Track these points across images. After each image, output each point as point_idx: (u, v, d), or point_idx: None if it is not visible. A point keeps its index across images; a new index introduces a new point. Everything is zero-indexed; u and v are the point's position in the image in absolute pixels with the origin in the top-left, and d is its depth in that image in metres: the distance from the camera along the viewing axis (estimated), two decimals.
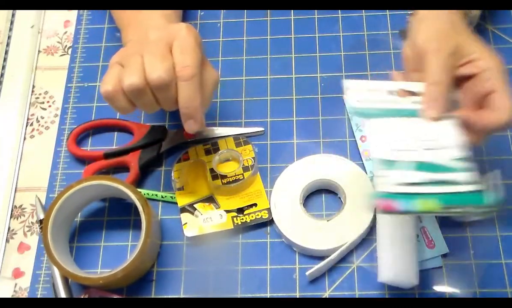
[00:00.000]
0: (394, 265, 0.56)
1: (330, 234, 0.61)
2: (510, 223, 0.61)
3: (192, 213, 0.63)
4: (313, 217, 0.62)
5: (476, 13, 0.65)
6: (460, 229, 0.61)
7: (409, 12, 0.62)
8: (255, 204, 0.63)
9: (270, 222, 0.63)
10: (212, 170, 0.64)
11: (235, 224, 0.62)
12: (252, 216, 0.63)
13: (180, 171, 0.65)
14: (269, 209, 0.63)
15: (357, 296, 0.59)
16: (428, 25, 0.57)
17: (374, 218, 0.61)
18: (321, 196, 0.65)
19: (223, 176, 0.64)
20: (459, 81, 0.56)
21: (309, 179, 0.63)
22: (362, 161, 0.65)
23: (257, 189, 0.64)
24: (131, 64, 0.54)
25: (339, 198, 0.64)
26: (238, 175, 0.64)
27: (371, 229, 0.61)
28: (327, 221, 0.61)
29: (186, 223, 0.63)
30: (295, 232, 0.61)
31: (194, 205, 0.63)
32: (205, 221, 0.62)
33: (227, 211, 0.63)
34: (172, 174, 0.65)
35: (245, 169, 0.64)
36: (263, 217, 0.62)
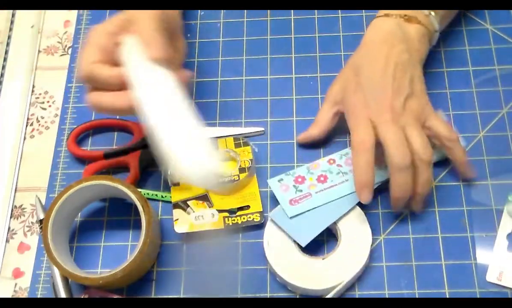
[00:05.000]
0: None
1: (325, 273, 0.58)
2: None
3: (185, 210, 0.63)
4: (307, 256, 0.59)
5: (436, 36, 0.65)
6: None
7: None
8: (248, 206, 0.63)
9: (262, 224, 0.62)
10: None
11: (226, 224, 0.62)
12: (244, 218, 0.62)
13: None
14: (261, 213, 0.62)
15: None
16: None
17: (371, 255, 0.59)
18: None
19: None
20: None
21: None
22: None
23: (252, 192, 0.64)
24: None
25: (334, 234, 0.62)
26: (233, 175, 0.63)
27: (367, 267, 0.60)
28: (322, 259, 0.59)
29: (177, 219, 0.62)
30: (290, 271, 0.58)
31: (187, 202, 0.63)
32: (197, 219, 0.62)
33: (220, 211, 0.63)
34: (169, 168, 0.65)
35: (242, 170, 0.64)
36: (255, 220, 0.62)
